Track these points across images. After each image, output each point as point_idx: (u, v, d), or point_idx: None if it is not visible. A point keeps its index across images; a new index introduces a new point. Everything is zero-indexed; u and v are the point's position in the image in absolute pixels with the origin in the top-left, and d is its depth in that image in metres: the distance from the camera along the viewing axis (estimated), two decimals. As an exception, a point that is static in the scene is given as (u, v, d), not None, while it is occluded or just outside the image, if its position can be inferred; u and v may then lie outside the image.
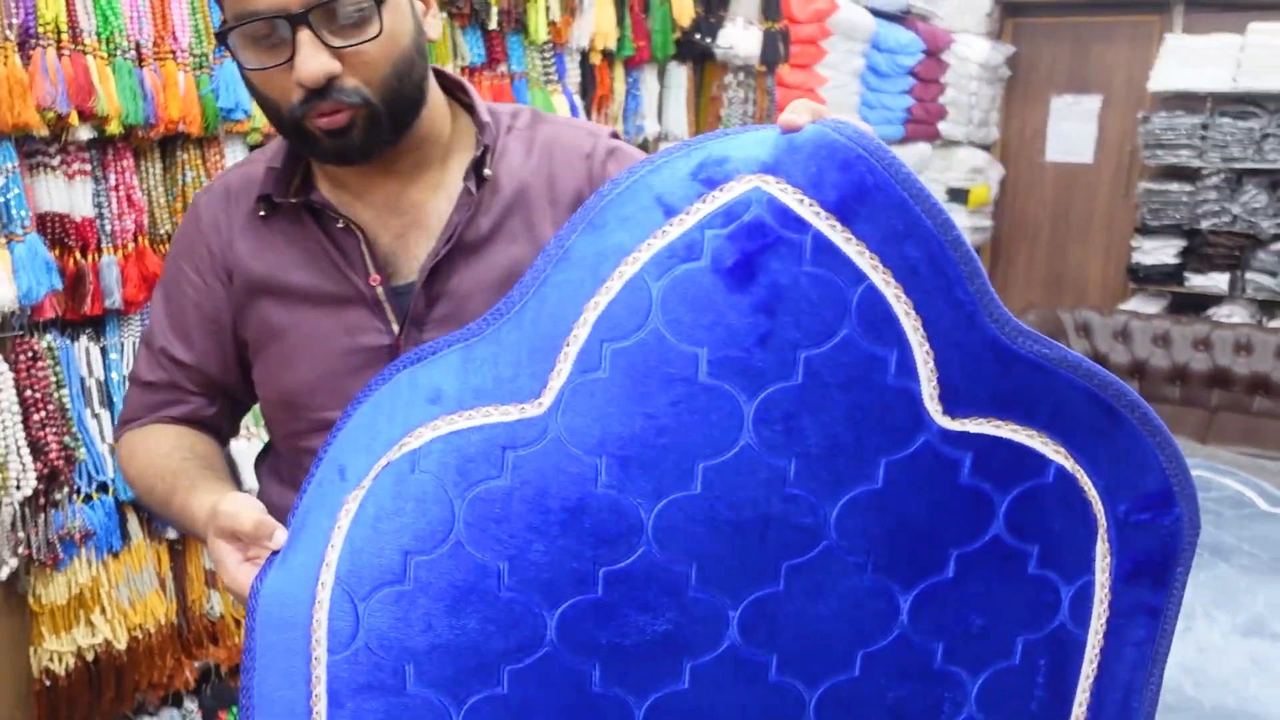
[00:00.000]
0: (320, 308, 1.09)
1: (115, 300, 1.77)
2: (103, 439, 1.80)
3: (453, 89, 1.13)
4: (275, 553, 0.94)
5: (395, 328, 1.08)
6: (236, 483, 1.11)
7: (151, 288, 1.80)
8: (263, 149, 1.17)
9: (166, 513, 1.09)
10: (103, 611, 1.83)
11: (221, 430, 1.20)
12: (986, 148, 5.23)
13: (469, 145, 1.11)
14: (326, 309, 1.09)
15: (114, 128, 1.71)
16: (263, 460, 1.23)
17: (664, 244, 0.89)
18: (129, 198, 1.79)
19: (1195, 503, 0.96)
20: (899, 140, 4.40)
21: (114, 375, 1.83)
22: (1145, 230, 4.94)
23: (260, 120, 1.93)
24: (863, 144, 0.86)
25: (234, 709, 2.10)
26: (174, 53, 1.80)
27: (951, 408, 0.90)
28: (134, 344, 1.84)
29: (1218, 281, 4.78)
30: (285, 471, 1.16)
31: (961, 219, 4.76)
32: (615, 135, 1.15)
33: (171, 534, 1.96)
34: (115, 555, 1.84)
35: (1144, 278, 4.93)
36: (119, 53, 1.72)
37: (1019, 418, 0.91)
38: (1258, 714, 1.78)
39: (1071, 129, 5.28)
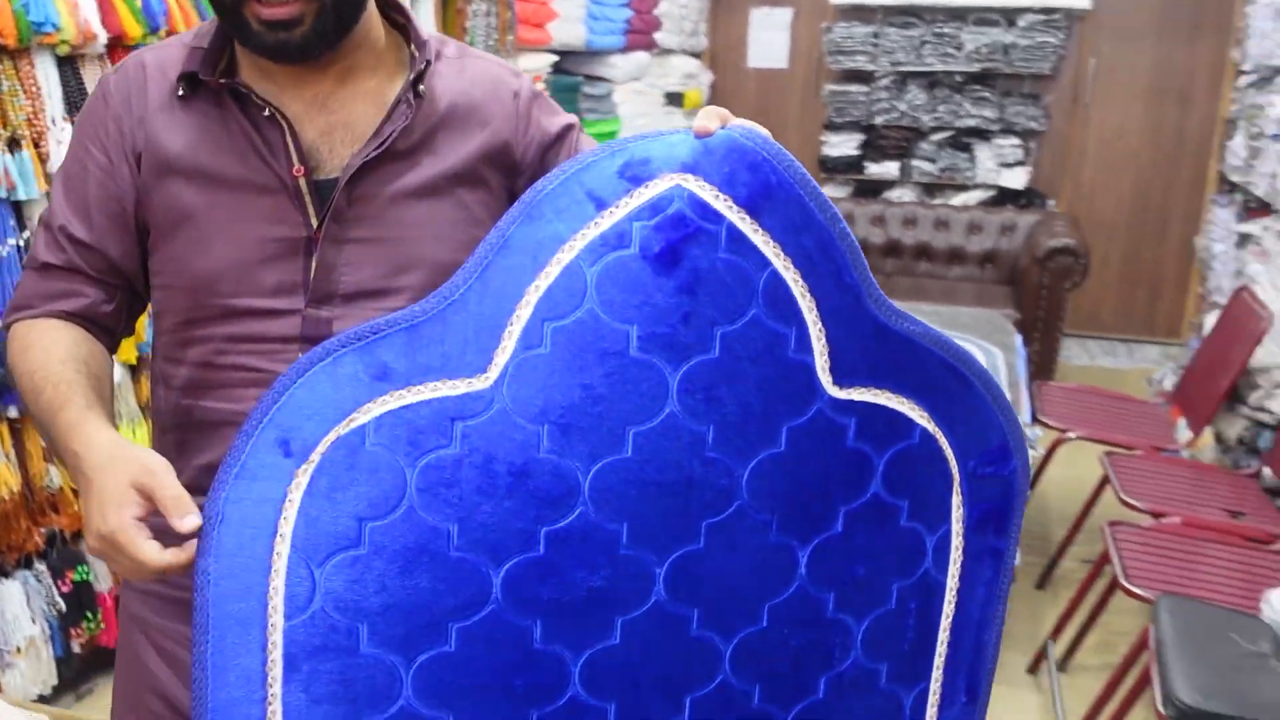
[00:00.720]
0: (238, 193, 1.07)
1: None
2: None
3: (388, 8, 1.15)
4: (206, 533, 0.93)
5: (314, 221, 1.07)
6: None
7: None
8: (179, 35, 1.15)
9: (47, 421, 1.04)
10: (-36, 482, 2.04)
11: (115, 332, 1.15)
12: (697, 55, 5.79)
13: (398, 61, 1.14)
14: (244, 195, 1.07)
15: (-59, 40, 1.88)
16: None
17: (597, 234, 0.98)
18: (-47, 104, 1.96)
19: (1026, 455, 1.10)
20: (621, 49, 4.85)
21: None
22: (832, 127, 5.68)
23: (68, 33, 2.12)
24: (766, 148, 0.97)
25: (79, 568, 2.34)
26: (-15, -30, 1.97)
27: (839, 378, 1.02)
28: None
29: (890, 169, 5.60)
30: (158, 370, 1.15)
31: (680, 120, 5.30)
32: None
33: (12, 413, 2.16)
34: (-31, 432, 2.05)
35: (832, 168, 5.69)
36: (-62, -29, 1.88)
37: (892, 386, 1.04)
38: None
39: (768, 38, 5.91)
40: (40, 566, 2.27)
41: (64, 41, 2.12)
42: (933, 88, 5.47)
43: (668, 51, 5.39)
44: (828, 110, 5.65)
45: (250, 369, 1.07)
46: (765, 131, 0.99)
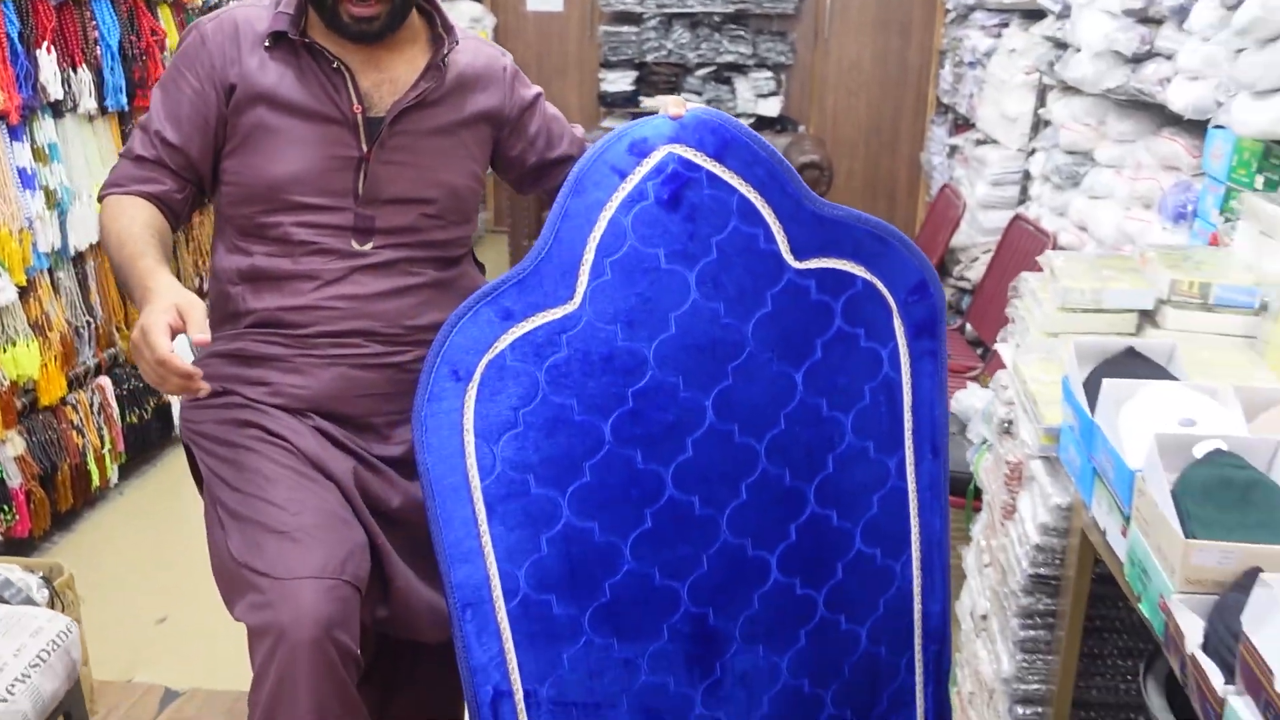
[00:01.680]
0: (310, 121, 1.45)
1: None
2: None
3: (422, 1, 1.51)
4: (418, 439, 1.39)
5: (364, 146, 1.46)
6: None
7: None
8: None
9: (127, 265, 1.37)
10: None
11: (180, 216, 1.50)
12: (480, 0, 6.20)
13: (426, 38, 1.53)
14: (314, 122, 1.45)
15: None
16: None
17: (624, 194, 1.41)
18: None
19: (939, 284, 1.53)
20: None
21: None
22: (608, 65, 6.24)
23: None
24: (719, 117, 1.43)
25: None
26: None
27: (798, 255, 1.46)
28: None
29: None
30: (230, 243, 1.51)
31: (468, 61, 5.69)
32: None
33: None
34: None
35: (610, 102, 6.25)
36: None
37: (835, 254, 1.48)
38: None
39: (544, -18, 6.37)
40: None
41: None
42: (695, 27, 6.10)
43: (454, -3, 5.78)
44: (603, 49, 6.19)
45: (313, 243, 1.47)
46: (715, 110, 1.43)
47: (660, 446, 1.47)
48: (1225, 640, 0.98)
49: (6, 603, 1.71)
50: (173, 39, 3.48)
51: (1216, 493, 1.13)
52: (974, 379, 3.18)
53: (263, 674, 1.35)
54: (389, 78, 1.50)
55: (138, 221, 1.42)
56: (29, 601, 1.72)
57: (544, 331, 1.43)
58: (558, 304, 1.43)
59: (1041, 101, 3.67)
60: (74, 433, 3.02)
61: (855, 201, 6.30)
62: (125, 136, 3.30)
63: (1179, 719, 1.35)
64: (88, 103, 3.02)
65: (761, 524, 1.53)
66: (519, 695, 1.48)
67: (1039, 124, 3.72)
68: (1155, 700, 1.42)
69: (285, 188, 1.45)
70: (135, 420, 3.34)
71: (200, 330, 1.24)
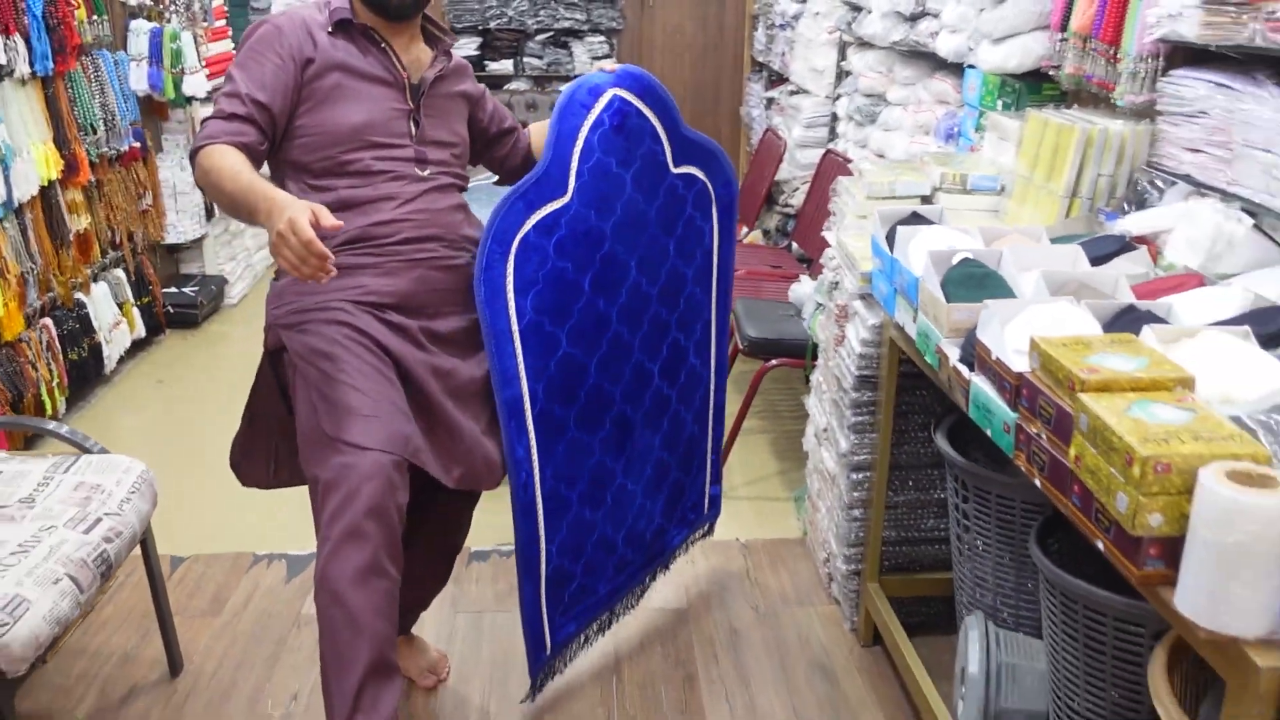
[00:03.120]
0: (373, 83, 1.92)
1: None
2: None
3: None
4: (477, 294, 1.88)
5: (410, 103, 1.95)
6: None
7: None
8: (310, 3, 1.96)
9: (245, 188, 1.70)
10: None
11: (258, 166, 1.83)
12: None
13: (422, 35, 2.03)
14: (376, 84, 1.92)
15: None
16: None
17: (590, 121, 1.99)
18: None
19: (738, 182, 2.39)
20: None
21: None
22: (454, 31, 6.70)
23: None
24: (639, 72, 2.10)
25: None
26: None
27: (675, 164, 2.18)
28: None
29: (506, 66, 6.74)
30: (307, 184, 1.90)
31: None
32: None
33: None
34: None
35: (458, 67, 6.72)
36: None
37: (691, 163, 2.22)
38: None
39: (385, -46, 6.74)
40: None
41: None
42: (533, -5, 6.64)
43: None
44: (448, 17, 6.65)
45: (389, 171, 1.93)
46: (638, 67, 2.08)
47: (611, 293, 2.09)
48: (970, 352, 1.69)
49: (90, 451, 2.17)
50: (81, 11, 3.81)
51: (965, 281, 1.84)
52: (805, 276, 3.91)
53: (335, 517, 1.74)
54: (415, 57, 2.01)
55: (242, 160, 1.78)
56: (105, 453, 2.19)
57: (551, 216, 1.97)
58: (558, 197, 1.97)
59: (843, 55, 4.42)
60: (29, 367, 3.38)
61: (685, 152, 7.00)
62: (49, 100, 3.63)
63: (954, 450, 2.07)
64: (22, 67, 3.36)
65: (651, 344, 2.23)
66: (537, 478, 2.05)
67: (841, 74, 4.47)
68: (941, 442, 2.14)
69: (363, 131, 1.91)
70: (75, 358, 3.70)
71: (331, 221, 1.61)
